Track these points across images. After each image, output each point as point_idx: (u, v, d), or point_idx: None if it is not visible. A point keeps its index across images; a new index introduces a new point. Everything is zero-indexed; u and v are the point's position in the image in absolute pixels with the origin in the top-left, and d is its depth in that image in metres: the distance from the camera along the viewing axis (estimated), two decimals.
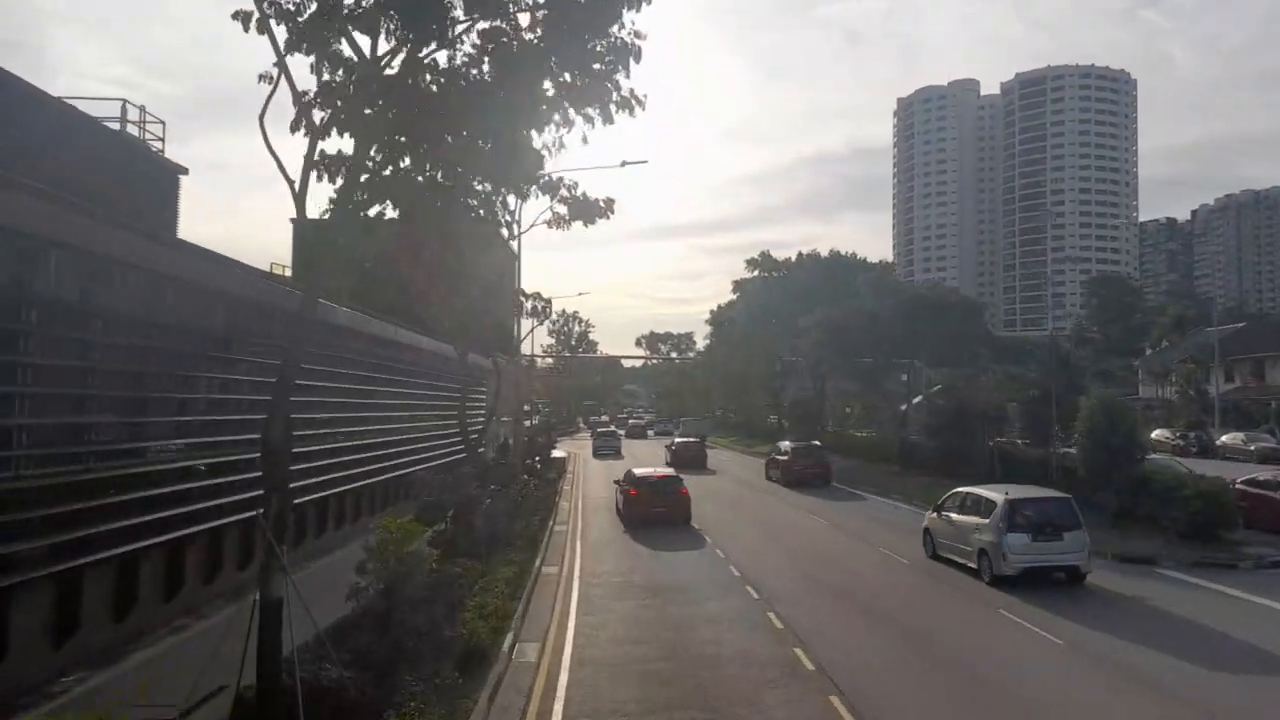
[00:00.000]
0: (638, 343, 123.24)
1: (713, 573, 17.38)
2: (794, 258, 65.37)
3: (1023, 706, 9.79)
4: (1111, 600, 14.70)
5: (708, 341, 77.99)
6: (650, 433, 72.89)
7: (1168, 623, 13.23)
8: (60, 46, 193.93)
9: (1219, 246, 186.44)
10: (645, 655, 11.71)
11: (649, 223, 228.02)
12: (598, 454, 48.88)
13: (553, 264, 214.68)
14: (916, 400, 43.15)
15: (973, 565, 16.44)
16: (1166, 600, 14.48)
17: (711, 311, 74.29)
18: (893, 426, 42.25)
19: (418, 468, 23.05)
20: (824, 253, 64.49)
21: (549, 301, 38.45)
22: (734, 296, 70.06)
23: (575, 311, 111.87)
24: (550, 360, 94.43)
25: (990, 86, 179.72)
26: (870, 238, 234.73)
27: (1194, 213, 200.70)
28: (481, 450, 27.06)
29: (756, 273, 66.12)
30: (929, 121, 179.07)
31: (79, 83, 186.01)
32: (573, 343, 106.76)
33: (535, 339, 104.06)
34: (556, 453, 46.19)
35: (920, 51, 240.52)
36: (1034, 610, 13.84)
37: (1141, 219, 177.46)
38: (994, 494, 16.54)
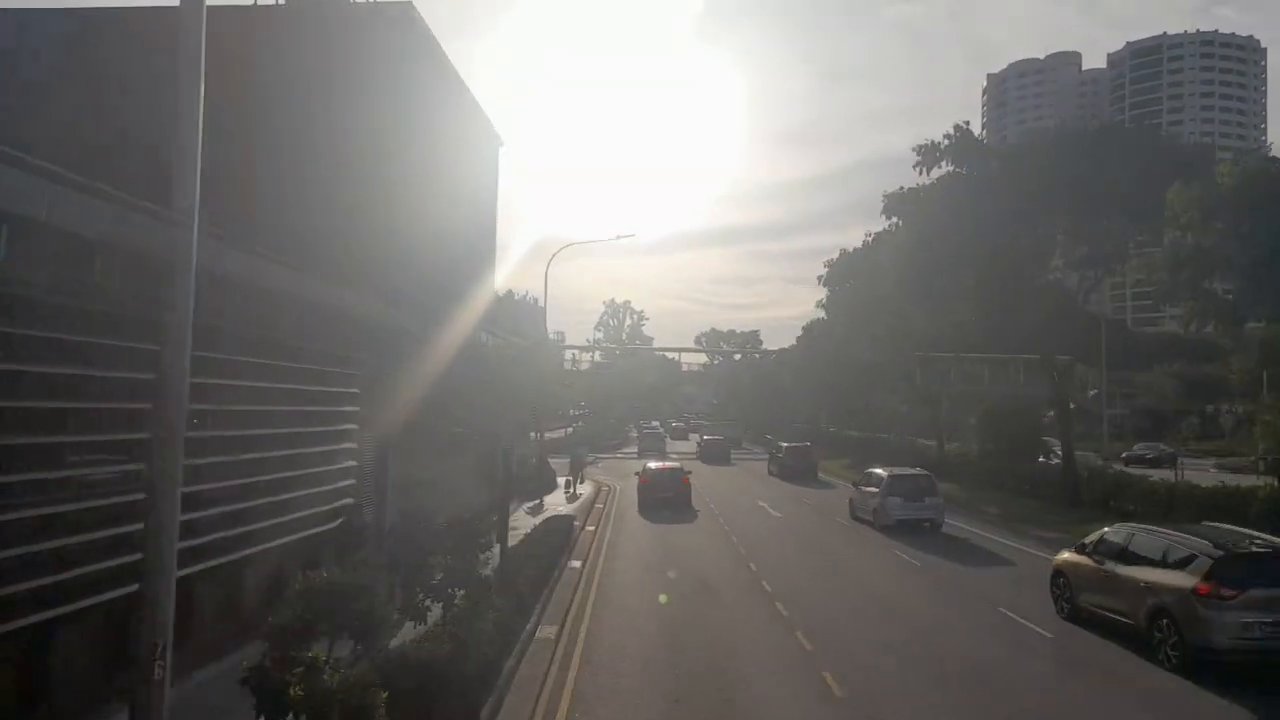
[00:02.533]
0: (697, 341, 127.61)
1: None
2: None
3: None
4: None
5: (822, 310, 55.91)
6: (691, 435, 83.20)
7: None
8: None
9: None
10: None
11: (701, 227, 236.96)
12: (642, 453, 59.44)
13: (601, 267, 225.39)
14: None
15: (871, 520, 26.23)
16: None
17: (827, 265, 51.29)
18: None
19: None
20: None
21: None
22: (879, 231, 41.67)
23: (627, 301, 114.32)
24: (598, 355, 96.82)
25: (1093, 60, 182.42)
26: None
27: None
28: (340, 521, 14.65)
29: (943, 167, 32.95)
30: (1024, 99, 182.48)
31: None
32: (623, 336, 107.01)
33: (558, 320, 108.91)
34: (580, 494, 34.56)
35: (988, 51, 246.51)
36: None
37: None
38: (883, 471, 26.75)
